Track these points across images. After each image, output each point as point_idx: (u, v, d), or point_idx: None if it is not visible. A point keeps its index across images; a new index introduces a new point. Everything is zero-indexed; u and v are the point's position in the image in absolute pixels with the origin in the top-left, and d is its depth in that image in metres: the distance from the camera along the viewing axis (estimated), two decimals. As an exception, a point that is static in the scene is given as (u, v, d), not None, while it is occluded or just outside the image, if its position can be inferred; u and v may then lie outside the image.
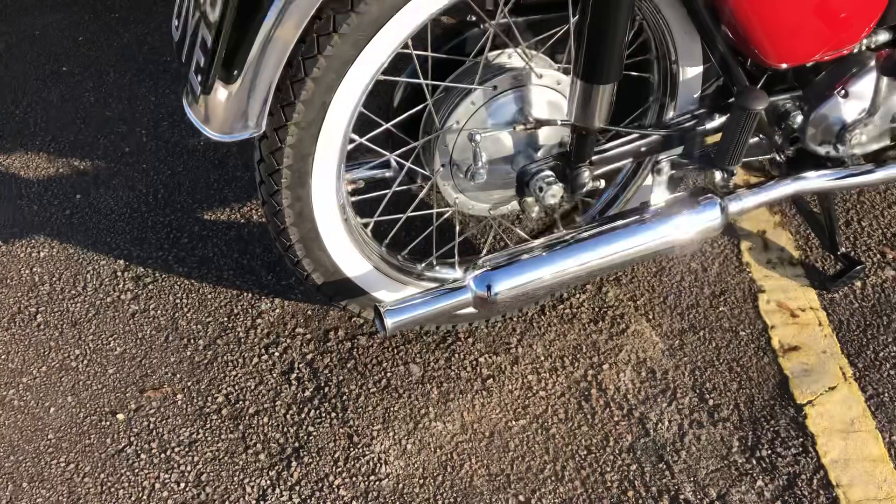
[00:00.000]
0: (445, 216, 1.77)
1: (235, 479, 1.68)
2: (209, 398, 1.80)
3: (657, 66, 1.69)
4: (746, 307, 1.96)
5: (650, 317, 1.94)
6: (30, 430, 1.74)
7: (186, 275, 2.02)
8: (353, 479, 1.67)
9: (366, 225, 1.68)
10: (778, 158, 1.75)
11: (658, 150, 1.66)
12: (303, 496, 1.64)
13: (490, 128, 1.58)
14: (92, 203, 2.19)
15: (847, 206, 2.18)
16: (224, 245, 2.09)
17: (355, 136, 1.54)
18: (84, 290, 1.99)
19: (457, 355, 1.87)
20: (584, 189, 1.58)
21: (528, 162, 1.59)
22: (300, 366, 1.85)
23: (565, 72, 1.62)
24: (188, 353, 1.87)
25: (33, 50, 2.64)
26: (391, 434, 1.74)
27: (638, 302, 1.97)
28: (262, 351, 1.88)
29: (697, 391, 1.80)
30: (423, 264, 1.78)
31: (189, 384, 1.82)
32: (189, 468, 1.69)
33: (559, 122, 1.58)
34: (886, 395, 1.79)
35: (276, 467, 1.69)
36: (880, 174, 1.79)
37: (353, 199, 1.66)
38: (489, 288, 1.54)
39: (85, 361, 1.86)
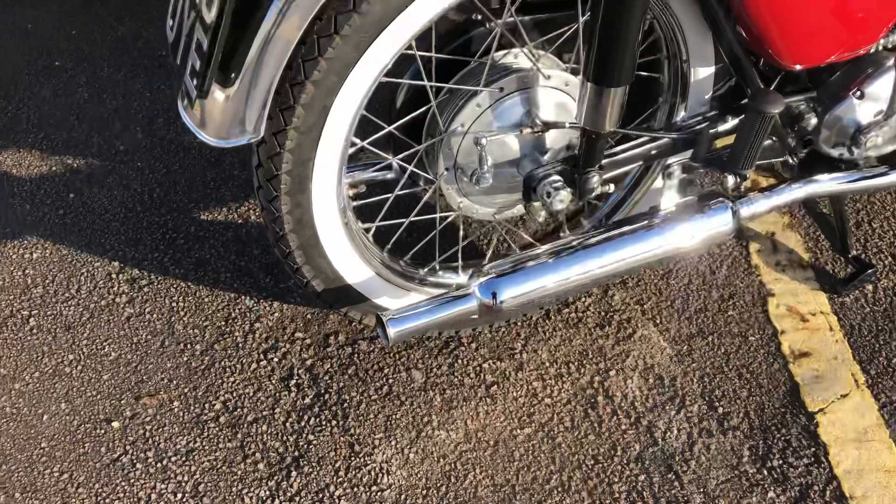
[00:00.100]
0: (448, 220, 1.72)
1: (234, 489, 1.64)
2: (206, 405, 1.76)
3: (668, 66, 1.64)
4: (756, 311, 1.92)
5: (657, 321, 1.90)
6: (22, 439, 1.70)
7: (183, 277, 1.97)
8: (355, 489, 1.63)
9: (367, 230, 1.64)
10: (790, 161, 1.70)
11: (669, 154, 1.62)
12: (303, 508, 1.61)
13: (496, 131, 1.53)
14: (86, 202, 2.14)
15: (857, 206, 2.13)
16: (221, 246, 2.04)
17: (357, 140, 1.49)
18: (78, 292, 1.95)
19: (460, 361, 1.82)
20: (593, 194, 1.53)
21: (535, 166, 1.54)
22: (300, 372, 1.80)
23: (573, 72, 1.57)
24: (185, 359, 1.83)
25: (25, 43, 2.58)
26: (393, 443, 1.70)
27: (645, 306, 1.93)
28: (261, 356, 1.83)
29: (706, 398, 1.76)
30: (426, 269, 1.73)
31: (186, 391, 1.78)
32: (186, 478, 1.65)
33: (567, 125, 1.53)
34: (900, 403, 1.75)
35: (276, 477, 1.65)
36: (895, 177, 1.75)
37: (355, 203, 1.61)
38: (494, 296, 1.49)
39: (79, 367, 1.82)
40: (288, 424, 1.72)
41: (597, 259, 1.54)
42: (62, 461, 1.67)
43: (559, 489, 1.63)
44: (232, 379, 1.80)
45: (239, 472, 1.66)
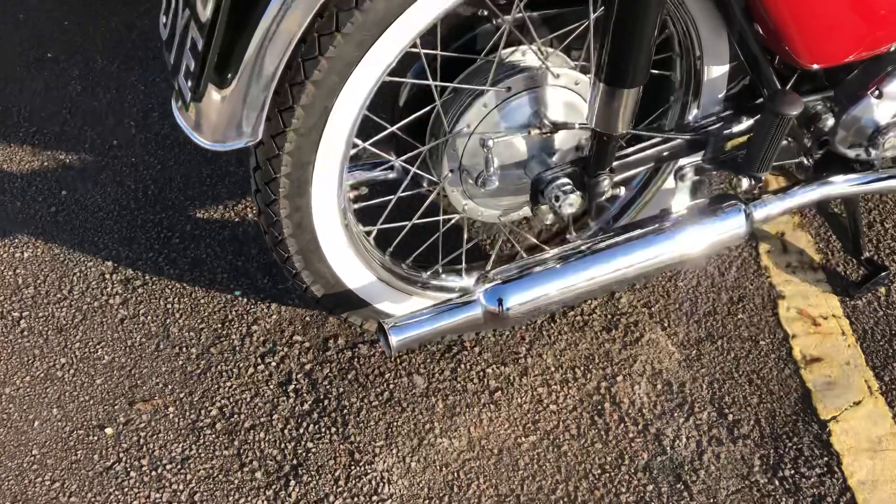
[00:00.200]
0: (452, 223, 1.67)
1: (230, 499, 1.59)
2: (202, 411, 1.71)
3: (680, 64, 1.58)
4: (766, 315, 1.87)
5: (665, 325, 1.85)
6: (13, 446, 1.65)
7: (178, 277, 1.92)
8: (355, 499, 1.59)
9: (368, 233, 1.58)
10: (805, 162, 1.65)
11: (681, 155, 1.56)
12: (302, 519, 1.56)
13: (503, 132, 1.48)
14: (78, 200, 2.08)
15: (870, 206, 2.08)
16: (217, 246, 1.99)
17: (358, 141, 1.43)
18: (70, 293, 1.89)
19: (463, 366, 1.78)
20: (604, 198, 1.48)
21: (543, 169, 1.48)
22: (298, 377, 1.76)
23: (583, 71, 1.52)
24: (180, 363, 1.78)
25: (16, 34, 2.51)
26: (394, 451, 1.65)
27: (652, 309, 1.88)
28: (258, 360, 1.78)
29: (716, 405, 1.72)
30: (429, 273, 1.68)
31: (181, 396, 1.73)
32: (181, 487, 1.60)
33: (577, 126, 1.48)
34: (915, 411, 1.71)
35: (274, 486, 1.60)
36: (912, 178, 1.70)
37: (356, 206, 1.56)
38: (500, 302, 1.44)
39: (71, 371, 1.77)
40: (286, 431, 1.68)
41: (606, 264, 1.49)
42: (54, 469, 1.62)
43: (565, 500, 1.59)
44: (229, 384, 1.75)
45: (236, 481, 1.61)
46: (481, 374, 1.76)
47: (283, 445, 1.66)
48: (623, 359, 1.79)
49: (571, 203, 1.45)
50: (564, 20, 1.48)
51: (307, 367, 1.77)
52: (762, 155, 1.47)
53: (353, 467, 1.63)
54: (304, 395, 1.73)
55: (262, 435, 1.67)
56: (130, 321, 1.85)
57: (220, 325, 1.84)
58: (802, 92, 1.55)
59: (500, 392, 1.74)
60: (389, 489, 1.60)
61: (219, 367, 1.77)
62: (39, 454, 1.64)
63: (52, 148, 2.21)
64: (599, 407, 1.72)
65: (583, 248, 1.51)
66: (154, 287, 1.90)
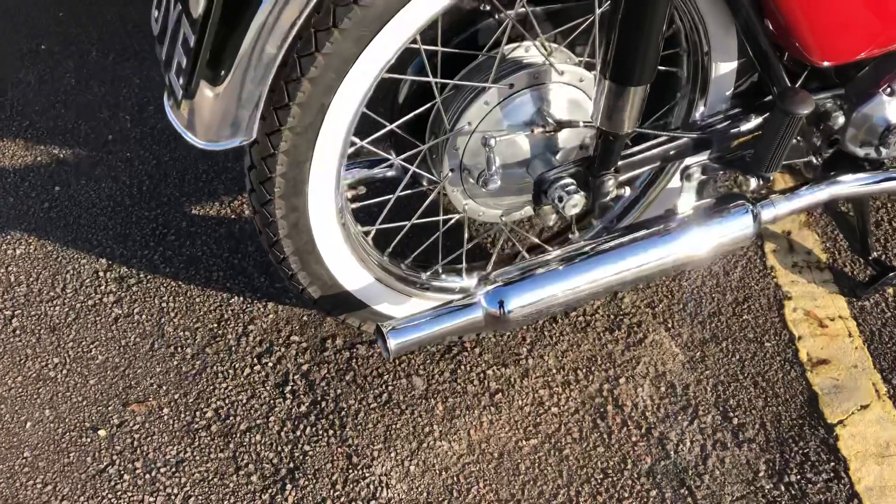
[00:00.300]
0: (452, 223, 1.63)
1: (226, 502, 1.56)
2: (198, 413, 1.67)
3: (687, 60, 1.54)
4: (772, 316, 1.84)
5: (669, 325, 1.82)
6: (4, 448, 1.62)
7: (173, 275, 1.89)
8: (353, 503, 1.56)
9: (367, 233, 1.55)
10: (814, 161, 1.61)
11: (687, 154, 1.52)
12: (298, 524, 1.53)
13: (505, 130, 1.44)
14: (72, 195, 2.04)
15: (878, 204, 2.05)
16: (214, 243, 1.95)
17: (356, 139, 1.39)
18: (63, 291, 1.86)
19: (463, 367, 1.74)
20: (608, 198, 1.44)
21: (546, 168, 1.44)
22: (295, 378, 1.72)
23: (588, 67, 1.48)
24: (175, 363, 1.75)
25: (9, 26, 2.47)
26: (393, 454, 1.62)
27: (656, 309, 1.84)
28: (255, 361, 1.75)
29: (721, 408, 1.69)
30: (429, 273, 1.65)
31: (176, 397, 1.70)
32: (176, 490, 1.57)
33: (582, 125, 1.44)
34: (923, 415, 1.68)
35: (270, 490, 1.57)
36: (923, 178, 1.66)
37: (353, 205, 1.52)
38: (501, 305, 1.41)
39: (64, 371, 1.73)
40: (283, 434, 1.64)
41: (610, 266, 1.46)
42: (46, 472, 1.59)
43: (567, 505, 1.56)
44: (224, 385, 1.71)
45: (231, 485, 1.58)
46: (481, 375, 1.73)
47: (279, 448, 1.62)
48: (626, 360, 1.76)
49: (575, 204, 1.42)
50: (569, 15, 1.44)
51: (304, 367, 1.74)
52: (771, 154, 1.43)
53: (350, 471, 1.60)
54: (301, 396, 1.69)
55: (258, 437, 1.64)
56: (124, 320, 1.81)
57: (215, 325, 1.80)
58: (812, 89, 1.51)
59: (500, 394, 1.71)
60: (388, 493, 1.57)
61: (214, 367, 1.74)
62: (31, 456, 1.61)
63: (46, 142, 2.17)
64: (602, 409, 1.68)
65: (586, 249, 1.47)
66: (149, 285, 1.87)
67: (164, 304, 1.84)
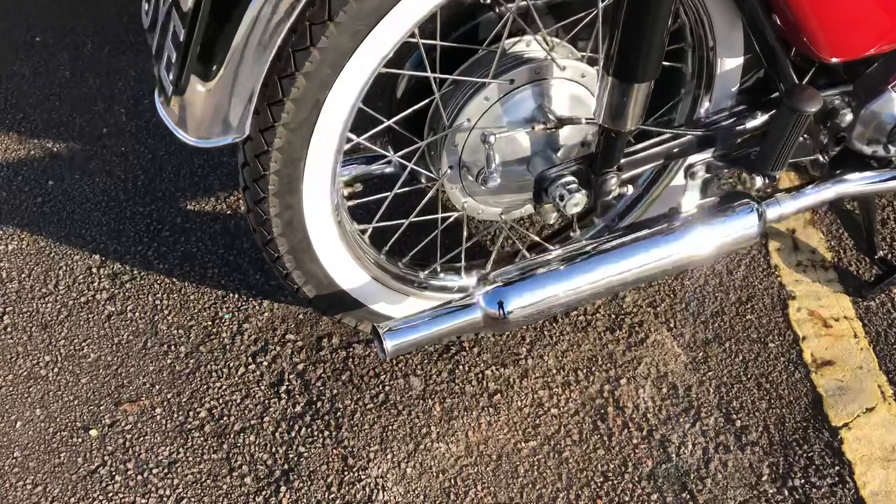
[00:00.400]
0: (451, 221, 1.60)
1: (219, 505, 1.53)
2: (191, 413, 1.65)
3: (692, 55, 1.51)
4: (776, 316, 1.81)
5: (671, 325, 1.79)
6: (-6, 447, 1.60)
7: (167, 272, 1.86)
8: (348, 506, 1.53)
9: (363, 231, 1.51)
10: (821, 159, 1.57)
11: (692, 152, 1.49)
12: (292, 528, 1.51)
13: (505, 126, 1.40)
14: (66, 190, 2.01)
15: (884, 202, 2.01)
16: (209, 239, 1.92)
17: (352, 136, 1.36)
18: (56, 288, 1.83)
19: (461, 367, 1.71)
20: (610, 197, 1.41)
21: (547, 166, 1.41)
22: (290, 377, 1.69)
23: (590, 62, 1.44)
24: (168, 362, 1.72)
25: (4, 17, 2.43)
26: (389, 456, 1.59)
27: (658, 308, 1.81)
28: (250, 360, 1.72)
29: (723, 410, 1.66)
30: (426, 272, 1.61)
31: (169, 396, 1.67)
32: (168, 492, 1.55)
33: (584, 121, 1.41)
34: (930, 418, 1.65)
35: (264, 492, 1.55)
36: (931, 177, 1.63)
37: (350, 203, 1.49)
38: (501, 306, 1.38)
39: (55, 369, 1.70)
40: (277, 435, 1.62)
41: (612, 266, 1.43)
42: (36, 472, 1.56)
43: (566, 509, 1.53)
44: (218, 384, 1.68)
45: (224, 487, 1.55)
46: (480, 375, 1.70)
47: (273, 449, 1.60)
48: (627, 361, 1.73)
49: (576, 203, 1.38)
50: (571, 9, 1.41)
51: (300, 367, 1.71)
52: (777, 152, 1.40)
53: (346, 473, 1.57)
54: (297, 396, 1.66)
55: (252, 438, 1.61)
56: (117, 317, 1.78)
57: (210, 323, 1.77)
58: (820, 86, 1.48)
59: (499, 395, 1.68)
60: (384, 496, 1.54)
61: (208, 366, 1.71)
62: (21, 456, 1.58)
63: (40, 136, 2.13)
64: (602, 411, 1.66)
65: (588, 248, 1.44)
66: (142, 282, 1.84)
67: (157, 302, 1.81)
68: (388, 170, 1.57)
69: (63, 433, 1.62)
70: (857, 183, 1.62)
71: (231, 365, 1.71)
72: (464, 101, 1.39)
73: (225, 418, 1.64)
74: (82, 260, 1.88)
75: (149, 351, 1.73)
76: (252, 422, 1.63)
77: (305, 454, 1.59)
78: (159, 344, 1.74)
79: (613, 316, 1.80)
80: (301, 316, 1.78)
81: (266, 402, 1.66)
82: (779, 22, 1.38)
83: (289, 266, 1.42)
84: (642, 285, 1.83)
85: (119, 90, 2.24)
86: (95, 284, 1.84)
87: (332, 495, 1.54)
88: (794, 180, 2.03)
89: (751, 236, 1.51)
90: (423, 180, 1.52)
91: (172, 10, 1.12)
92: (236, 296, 1.82)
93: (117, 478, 1.56)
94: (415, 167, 1.47)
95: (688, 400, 1.67)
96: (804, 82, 1.45)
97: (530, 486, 1.56)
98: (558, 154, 1.45)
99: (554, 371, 1.71)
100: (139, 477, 1.56)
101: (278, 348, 1.74)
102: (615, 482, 1.56)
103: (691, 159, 1.52)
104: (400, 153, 1.47)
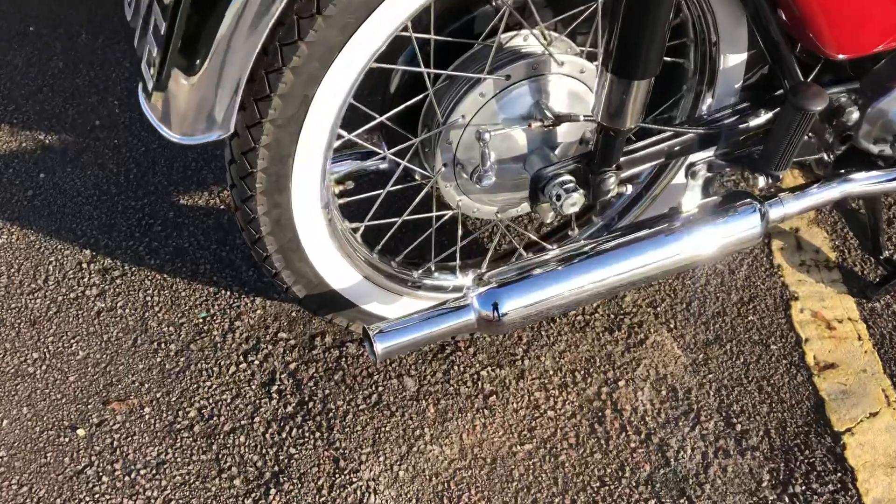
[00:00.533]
0: (446, 219, 1.56)
1: (207, 507, 1.51)
2: (180, 412, 1.62)
3: (694, 51, 1.47)
4: (778, 317, 1.77)
5: (671, 326, 1.75)
6: (-20, 446, 1.57)
7: (159, 268, 1.82)
8: (339, 510, 1.50)
9: (355, 230, 1.48)
10: (826, 158, 1.53)
11: (693, 150, 1.45)
12: (281, 531, 1.48)
13: (501, 123, 1.37)
14: (57, 183, 1.98)
15: (889, 201, 1.97)
16: (201, 234, 1.89)
17: (343, 132, 1.32)
18: (45, 283, 1.80)
19: (456, 368, 1.68)
20: (608, 196, 1.37)
21: (543, 164, 1.37)
22: (282, 377, 1.66)
23: (589, 57, 1.40)
24: (158, 360, 1.69)
25: (-3, 6, 2.40)
26: (382, 458, 1.56)
27: (658, 309, 1.78)
28: (241, 359, 1.69)
29: (723, 414, 1.62)
30: (420, 271, 1.58)
31: (158, 395, 1.64)
32: (156, 493, 1.52)
33: (582, 119, 1.37)
34: (935, 424, 1.61)
35: (253, 494, 1.52)
36: (939, 177, 1.59)
37: (341, 201, 1.45)
38: (495, 307, 1.34)
39: (43, 367, 1.68)
40: (268, 436, 1.59)
41: (611, 267, 1.39)
42: (21, 472, 1.54)
43: (561, 514, 1.50)
44: (208, 383, 1.65)
45: (213, 489, 1.52)
46: (475, 376, 1.67)
47: (264, 451, 1.57)
48: (626, 362, 1.69)
49: (574, 202, 1.35)
50: (569, 2, 1.37)
51: (292, 366, 1.68)
52: (781, 151, 1.36)
53: (337, 475, 1.54)
54: (288, 396, 1.63)
55: (242, 439, 1.58)
56: (107, 314, 1.75)
57: (201, 320, 1.74)
58: (825, 83, 1.44)
59: (494, 396, 1.64)
60: (376, 499, 1.51)
61: (198, 364, 1.68)
62: (7, 456, 1.56)
63: (31, 128, 2.10)
64: (600, 414, 1.62)
65: (585, 248, 1.40)
66: (133, 278, 1.81)
67: (148, 298, 1.78)
68: (382, 167, 1.53)
69: (50, 432, 1.59)
70: (863, 182, 1.58)
71: (222, 364, 1.68)
72: (458, 97, 1.36)
73: (215, 418, 1.61)
74: (72, 255, 1.85)
75: (138, 349, 1.70)
76: (242, 422, 1.60)
77: (296, 456, 1.56)
78: (149, 341, 1.71)
79: (612, 316, 1.76)
80: (294, 314, 1.75)
81: (257, 402, 1.63)
82: (784, 17, 1.34)
83: (278, 265, 1.39)
84: (642, 286, 1.79)
85: (113, 81, 2.21)
86: (85, 280, 1.81)
87: (323, 498, 1.51)
88: (798, 179, 1.99)
89: (753, 237, 1.47)
90: (417, 178, 1.48)
91: (154, 1, 1.09)
92: (228, 293, 1.78)
93: (104, 478, 1.53)
94: (408, 164, 1.43)
95: (687, 403, 1.64)
96: (809, 79, 1.41)
97: (525, 490, 1.53)
98: (555, 152, 1.42)
99: (551, 372, 1.68)
100: (127, 478, 1.54)
101: (270, 347, 1.70)
102: (612, 487, 1.53)
103: (692, 158, 1.48)
104: (393, 150, 1.43)
